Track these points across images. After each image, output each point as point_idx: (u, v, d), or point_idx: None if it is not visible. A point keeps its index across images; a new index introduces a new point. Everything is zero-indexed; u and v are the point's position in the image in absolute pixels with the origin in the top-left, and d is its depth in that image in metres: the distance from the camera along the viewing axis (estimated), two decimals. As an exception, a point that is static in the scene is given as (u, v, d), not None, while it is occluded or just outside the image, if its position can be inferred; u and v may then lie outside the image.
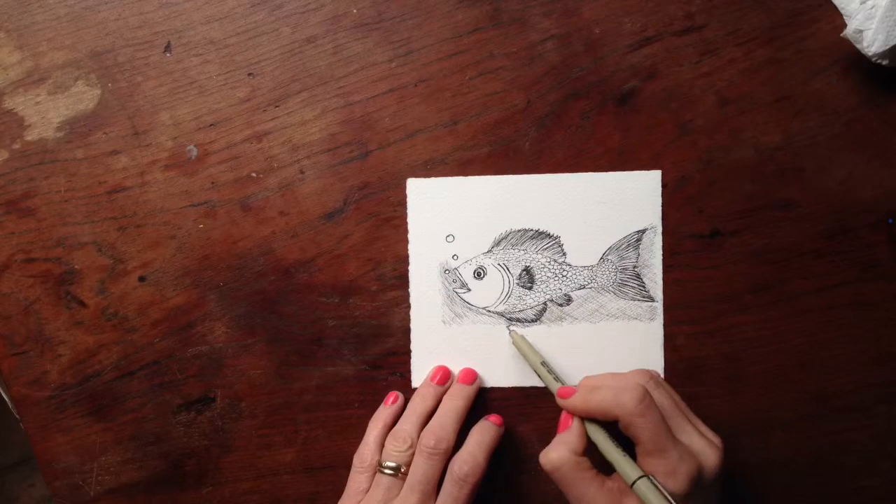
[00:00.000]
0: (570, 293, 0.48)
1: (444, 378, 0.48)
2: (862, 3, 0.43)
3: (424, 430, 0.45)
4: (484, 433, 0.45)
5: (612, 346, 0.48)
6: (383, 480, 0.44)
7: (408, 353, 0.49)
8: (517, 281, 0.48)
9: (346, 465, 0.50)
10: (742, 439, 0.48)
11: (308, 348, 0.49)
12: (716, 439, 0.40)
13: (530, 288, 0.48)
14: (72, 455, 0.50)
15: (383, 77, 0.48)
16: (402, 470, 0.44)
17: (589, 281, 0.48)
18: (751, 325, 0.48)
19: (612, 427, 0.40)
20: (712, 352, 0.48)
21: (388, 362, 0.49)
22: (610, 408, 0.39)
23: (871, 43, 0.43)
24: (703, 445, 0.39)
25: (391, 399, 0.48)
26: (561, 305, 0.48)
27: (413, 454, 0.44)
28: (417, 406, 0.47)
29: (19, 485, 1.15)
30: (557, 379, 0.45)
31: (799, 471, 0.49)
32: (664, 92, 0.47)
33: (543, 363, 0.46)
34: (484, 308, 0.49)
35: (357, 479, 0.45)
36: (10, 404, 0.53)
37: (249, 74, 0.48)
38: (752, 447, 0.48)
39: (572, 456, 0.40)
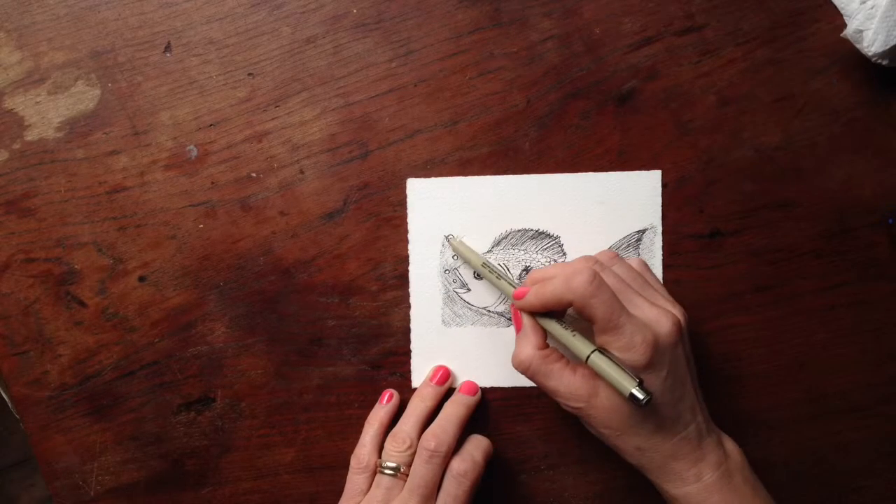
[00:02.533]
0: (570, 293, 0.48)
1: (443, 378, 0.48)
2: (862, 3, 0.43)
3: (425, 432, 0.45)
4: (482, 439, 0.46)
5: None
6: (383, 481, 0.44)
7: (408, 353, 0.49)
8: (518, 281, 0.48)
9: (346, 465, 0.50)
10: (742, 439, 0.48)
11: (308, 348, 0.49)
12: (672, 307, 0.41)
13: (530, 288, 0.48)
14: (72, 455, 0.50)
15: (383, 77, 0.48)
16: (402, 470, 0.44)
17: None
18: (751, 325, 0.48)
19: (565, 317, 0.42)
20: (712, 352, 0.48)
21: (388, 362, 0.49)
22: (562, 294, 0.40)
23: (871, 43, 0.43)
24: (656, 314, 0.39)
25: (386, 398, 0.48)
26: (561, 305, 0.48)
27: (413, 455, 0.45)
28: (417, 406, 0.47)
29: (19, 485, 1.15)
30: (501, 277, 0.45)
31: (799, 471, 0.49)
32: (664, 92, 0.47)
33: (484, 265, 0.46)
34: (484, 308, 0.49)
35: (355, 479, 0.45)
36: (10, 404, 0.53)
37: (249, 74, 0.48)
38: (753, 447, 0.48)
39: (536, 351, 0.41)
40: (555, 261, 0.48)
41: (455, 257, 0.48)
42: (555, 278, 0.40)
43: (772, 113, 0.47)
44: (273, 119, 0.48)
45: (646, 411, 0.39)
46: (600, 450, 0.49)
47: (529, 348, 0.42)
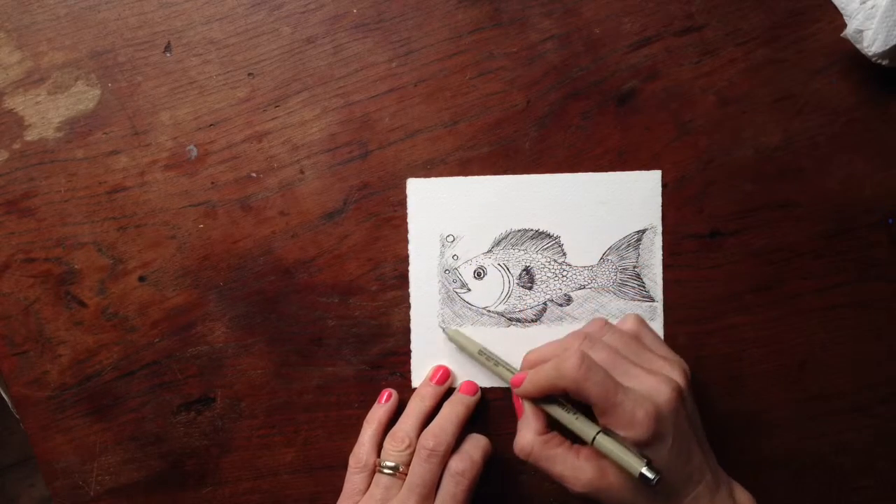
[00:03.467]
0: (570, 293, 0.48)
1: (443, 378, 0.48)
2: (862, 3, 0.43)
3: (424, 431, 0.45)
4: (480, 438, 0.46)
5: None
6: (382, 480, 0.44)
7: (408, 353, 0.49)
8: (517, 281, 0.48)
9: (346, 465, 0.50)
10: (742, 439, 0.48)
11: (308, 348, 0.49)
12: (671, 370, 0.40)
13: (530, 288, 0.48)
14: (72, 455, 0.50)
15: (383, 77, 0.48)
16: (401, 469, 0.44)
17: (589, 281, 0.48)
18: (751, 325, 0.48)
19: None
20: (712, 352, 0.48)
21: (388, 362, 0.49)
22: (555, 382, 0.40)
23: (871, 43, 0.43)
24: (654, 383, 0.39)
25: (385, 397, 0.48)
26: (561, 305, 0.48)
27: (411, 454, 0.44)
28: (416, 406, 0.47)
29: (19, 485, 1.15)
30: (498, 364, 0.46)
31: (799, 471, 0.49)
32: (664, 92, 0.47)
33: (481, 352, 0.46)
34: (484, 308, 0.49)
35: (353, 479, 0.45)
36: (10, 404, 0.53)
37: (249, 74, 0.48)
38: (752, 447, 0.48)
39: (537, 437, 0.41)
40: (555, 261, 0.48)
41: (455, 257, 0.48)
42: (546, 365, 0.40)
43: (772, 113, 0.47)
44: (273, 119, 0.48)
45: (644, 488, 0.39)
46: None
47: (530, 434, 0.41)
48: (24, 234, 0.49)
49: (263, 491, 0.51)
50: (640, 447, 0.38)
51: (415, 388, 0.49)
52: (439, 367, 0.48)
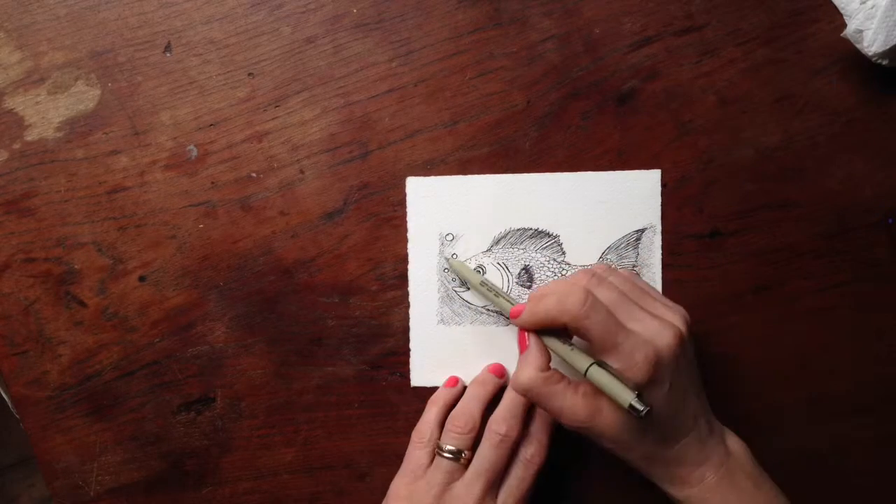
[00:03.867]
0: (570, 293, 0.48)
1: (501, 370, 0.48)
2: (862, 3, 0.43)
3: (493, 416, 0.45)
4: (545, 415, 0.46)
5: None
6: (443, 464, 0.44)
7: (407, 352, 0.49)
8: (516, 280, 0.48)
9: (346, 465, 0.50)
10: (742, 439, 0.48)
11: (308, 348, 0.49)
12: (673, 315, 0.40)
13: (529, 287, 0.48)
14: (72, 455, 0.50)
15: (383, 77, 0.48)
16: (465, 455, 0.44)
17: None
18: (751, 325, 0.48)
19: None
20: (712, 352, 0.48)
21: (388, 362, 0.49)
22: (556, 315, 0.40)
23: (871, 43, 0.43)
24: (656, 328, 0.39)
25: (453, 382, 0.48)
26: (561, 305, 0.48)
27: (473, 438, 0.45)
28: (478, 391, 0.47)
29: (19, 485, 1.15)
30: (499, 295, 0.45)
31: (799, 471, 0.49)
32: (664, 92, 0.47)
33: (482, 283, 0.46)
34: (483, 307, 0.49)
35: (416, 454, 0.45)
36: (10, 404, 0.53)
37: (249, 74, 0.48)
38: (752, 447, 0.48)
39: (539, 373, 0.41)
40: (554, 260, 0.48)
41: (454, 256, 0.48)
42: (549, 297, 0.40)
43: (772, 113, 0.47)
44: (273, 119, 0.48)
45: (649, 423, 0.39)
46: (600, 450, 0.49)
47: (531, 370, 0.41)
48: (24, 234, 0.49)
49: (263, 491, 0.51)
50: (637, 389, 0.38)
51: (415, 388, 0.49)
52: (496, 364, 0.48)
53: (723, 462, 0.41)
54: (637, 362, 0.37)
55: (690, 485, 0.40)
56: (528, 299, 0.43)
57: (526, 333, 0.43)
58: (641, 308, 0.40)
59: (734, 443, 0.42)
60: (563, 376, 0.41)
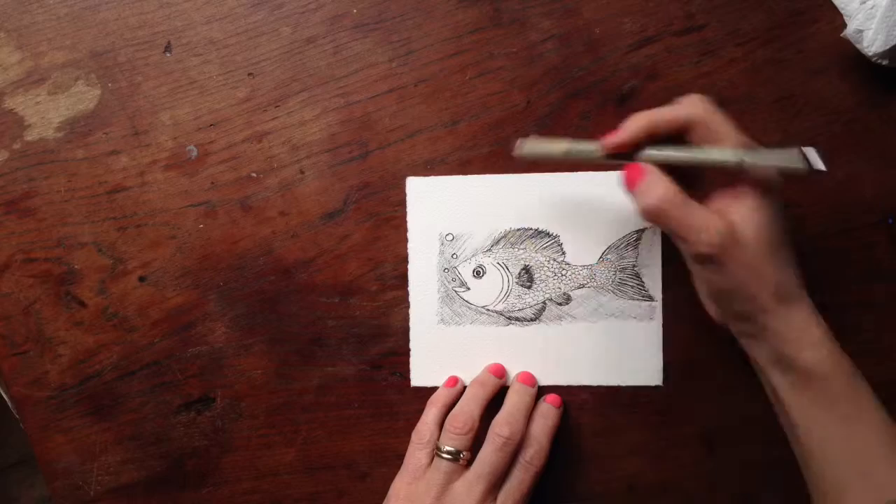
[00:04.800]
0: (570, 292, 0.48)
1: (501, 371, 0.48)
2: (862, 3, 0.43)
3: (496, 419, 0.45)
4: (546, 418, 0.46)
5: (611, 346, 0.48)
6: (442, 464, 0.44)
7: (407, 352, 0.49)
8: (516, 280, 0.48)
9: (346, 465, 0.50)
10: (742, 439, 0.48)
11: (308, 348, 0.49)
12: None
13: (529, 287, 0.48)
14: (72, 455, 0.50)
15: (383, 77, 0.48)
16: (463, 455, 0.44)
17: (588, 280, 0.48)
18: (751, 325, 0.48)
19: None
20: (712, 352, 0.48)
21: (388, 362, 0.49)
22: (673, 114, 0.37)
23: (871, 43, 0.43)
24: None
25: (452, 382, 0.48)
26: (560, 304, 0.48)
27: (471, 439, 0.45)
28: (477, 392, 0.47)
29: (19, 485, 1.15)
30: (584, 148, 0.40)
31: (799, 471, 0.49)
32: (664, 92, 0.47)
33: (567, 151, 0.41)
34: (483, 307, 0.49)
35: (417, 455, 0.45)
36: (10, 404, 0.53)
37: (249, 74, 0.48)
38: (753, 447, 0.48)
39: (672, 187, 0.37)
40: (554, 260, 0.48)
41: (455, 256, 0.48)
42: (656, 109, 0.38)
43: (772, 113, 0.47)
44: (273, 119, 0.48)
45: (779, 242, 0.37)
46: (600, 450, 0.49)
47: (662, 185, 0.37)
48: (24, 234, 0.49)
49: (263, 491, 0.51)
50: (769, 195, 0.37)
51: (415, 388, 0.49)
52: (496, 364, 0.48)
53: (833, 340, 0.38)
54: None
55: (813, 327, 0.38)
56: (629, 121, 0.39)
57: (637, 166, 0.38)
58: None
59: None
60: (689, 197, 0.37)
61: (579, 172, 0.48)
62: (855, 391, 0.38)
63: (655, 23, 0.47)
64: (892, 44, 0.43)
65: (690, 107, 0.37)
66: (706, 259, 0.37)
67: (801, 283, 0.38)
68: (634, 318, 0.48)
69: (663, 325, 0.48)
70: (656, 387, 0.49)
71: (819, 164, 0.33)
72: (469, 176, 0.48)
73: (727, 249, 0.36)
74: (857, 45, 0.44)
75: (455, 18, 0.47)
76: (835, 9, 0.46)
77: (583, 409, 0.49)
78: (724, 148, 0.37)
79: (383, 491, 0.46)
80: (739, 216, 0.37)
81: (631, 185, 0.39)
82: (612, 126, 0.47)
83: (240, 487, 0.51)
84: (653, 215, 0.37)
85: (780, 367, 0.39)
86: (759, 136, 0.47)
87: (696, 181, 0.39)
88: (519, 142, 0.42)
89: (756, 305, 0.37)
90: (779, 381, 0.39)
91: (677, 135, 0.38)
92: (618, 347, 0.48)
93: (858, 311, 0.48)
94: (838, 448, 0.38)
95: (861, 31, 0.43)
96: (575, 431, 0.49)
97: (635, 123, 0.38)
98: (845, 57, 0.46)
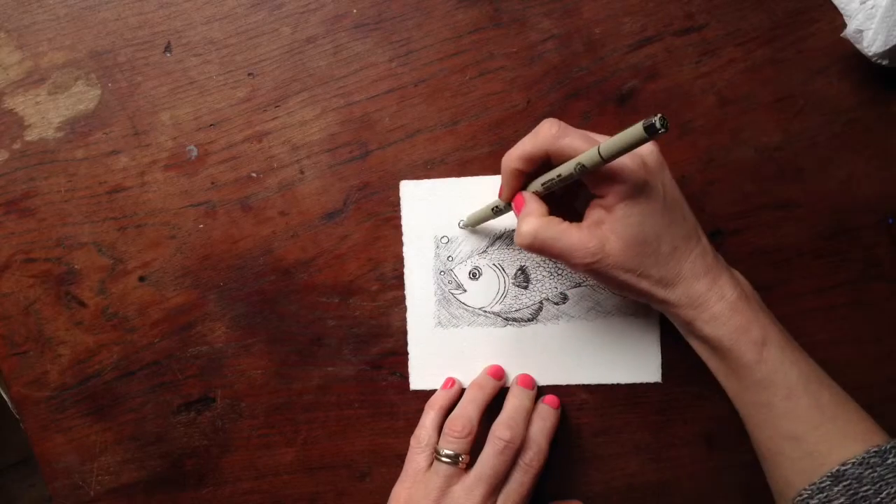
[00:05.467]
0: (566, 291, 0.48)
1: (500, 373, 0.48)
2: (862, 3, 0.43)
3: (497, 423, 0.45)
4: (545, 420, 0.46)
5: (609, 344, 0.48)
6: (441, 468, 0.44)
7: (407, 353, 0.49)
8: (513, 281, 0.48)
9: (346, 465, 0.50)
10: (742, 439, 0.48)
11: (308, 348, 0.49)
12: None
13: (526, 287, 0.48)
14: (72, 455, 0.50)
15: (383, 77, 0.48)
16: (462, 459, 0.44)
17: (584, 279, 0.48)
18: (751, 325, 0.48)
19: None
20: (712, 352, 0.48)
21: (388, 362, 0.49)
22: (531, 149, 0.39)
23: (871, 43, 0.43)
24: None
25: (449, 383, 0.48)
26: (557, 304, 0.48)
27: (471, 442, 0.45)
28: (476, 395, 0.47)
29: (19, 485, 1.15)
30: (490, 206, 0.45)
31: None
32: (664, 92, 0.47)
33: (494, 208, 0.45)
34: (480, 308, 0.49)
35: (416, 458, 0.45)
36: (10, 404, 0.53)
37: (249, 74, 0.48)
38: (753, 447, 0.48)
39: (541, 218, 0.40)
40: (550, 259, 0.48)
41: (450, 258, 0.48)
42: (517, 145, 0.41)
43: (772, 113, 0.47)
44: (273, 119, 0.48)
45: (654, 237, 0.39)
46: (600, 450, 0.49)
47: (532, 218, 0.40)
48: (24, 234, 0.49)
49: (263, 491, 0.51)
50: (634, 196, 0.38)
51: (413, 391, 0.49)
52: (494, 366, 0.49)
53: (736, 283, 0.41)
54: (627, 166, 0.38)
55: (713, 304, 0.40)
56: (502, 163, 0.42)
57: (520, 196, 0.42)
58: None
59: (738, 273, 0.43)
60: (562, 220, 0.40)
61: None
62: (774, 361, 0.40)
63: (655, 23, 0.47)
64: (892, 44, 0.43)
65: (540, 138, 0.39)
66: (587, 272, 0.40)
67: (705, 261, 0.40)
68: (632, 314, 0.48)
69: (661, 321, 0.48)
70: (655, 384, 0.49)
71: (657, 126, 0.33)
72: (462, 178, 0.48)
73: (602, 261, 0.39)
74: (857, 45, 0.44)
75: (455, 18, 0.47)
76: (835, 9, 0.46)
77: (583, 409, 0.49)
78: (580, 155, 0.38)
79: (383, 491, 0.46)
80: (610, 227, 0.39)
81: (517, 214, 0.42)
82: (613, 126, 0.47)
83: (240, 487, 0.51)
84: (526, 244, 0.40)
85: (692, 336, 0.43)
86: (759, 135, 0.47)
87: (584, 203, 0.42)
88: (459, 221, 0.48)
89: (647, 296, 0.41)
90: (696, 347, 0.43)
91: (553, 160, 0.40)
92: (616, 345, 0.48)
93: (859, 311, 0.48)
94: (761, 415, 0.41)
95: (861, 31, 0.43)
96: (575, 431, 0.49)
97: (506, 169, 0.41)
98: (845, 57, 0.46)
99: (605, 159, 0.36)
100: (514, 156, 0.41)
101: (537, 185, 0.41)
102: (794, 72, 0.47)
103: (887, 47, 0.43)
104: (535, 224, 0.40)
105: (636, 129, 0.33)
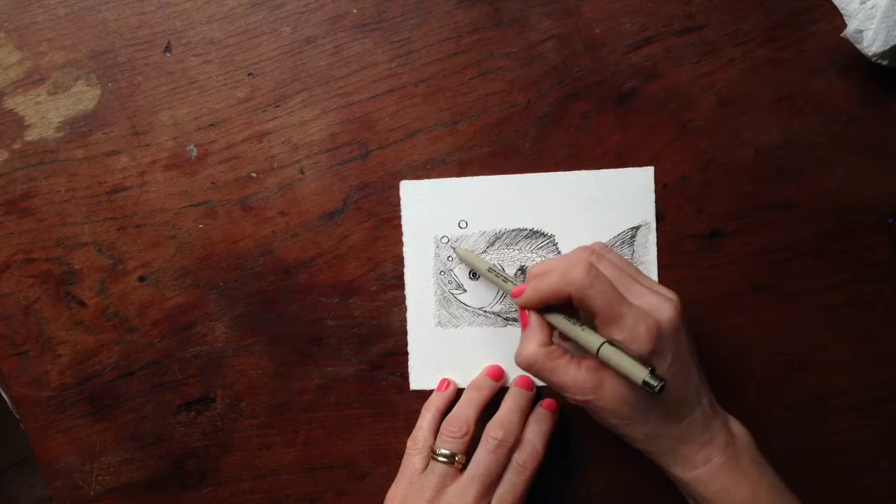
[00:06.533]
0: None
1: (499, 374, 0.48)
2: (862, 3, 0.43)
3: (491, 422, 0.45)
4: (541, 422, 0.46)
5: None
6: (437, 468, 0.44)
7: (407, 352, 0.49)
8: (517, 280, 0.48)
9: (346, 465, 0.50)
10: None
11: (308, 348, 0.49)
12: (670, 294, 0.41)
13: (528, 287, 0.48)
14: (72, 455, 0.50)
15: (383, 77, 0.48)
16: (458, 458, 0.44)
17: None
18: (751, 325, 0.48)
19: (573, 312, 0.42)
20: (712, 352, 0.48)
21: (388, 362, 0.49)
22: (560, 287, 0.40)
23: (871, 43, 0.43)
24: (657, 301, 0.39)
25: (444, 385, 0.48)
26: (560, 305, 0.48)
27: (467, 442, 0.45)
28: (474, 395, 0.47)
29: (19, 485, 1.15)
30: (507, 280, 0.45)
31: (799, 471, 0.49)
32: (664, 92, 0.47)
33: (491, 269, 0.46)
34: (480, 308, 0.49)
35: (412, 461, 0.45)
36: (10, 404, 0.53)
37: (249, 74, 0.48)
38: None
39: (541, 348, 0.41)
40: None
41: (450, 258, 0.48)
42: (552, 272, 0.41)
43: (772, 113, 0.47)
44: (273, 119, 0.48)
45: (652, 398, 0.39)
46: (600, 449, 0.49)
47: (533, 345, 0.41)
48: (24, 234, 0.49)
49: (263, 491, 0.51)
50: (641, 362, 0.38)
51: (414, 391, 0.49)
52: (494, 366, 0.49)
53: (728, 444, 0.41)
54: (640, 333, 0.38)
55: (696, 465, 0.40)
56: (528, 276, 0.43)
57: (527, 311, 0.43)
58: (640, 283, 0.41)
59: (737, 427, 0.42)
60: (565, 351, 0.42)
61: (571, 172, 0.48)
62: None
63: (655, 23, 0.47)
64: (892, 44, 0.43)
65: (573, 282, 0.39)
66: (581, 406, 0.41)
67: (698, 426, 0.41)
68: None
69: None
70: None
71: (655, 388, 0.37)
72: (463, 178, 0.48)
73: (593, 402, 0.40)
74: (857, 45, 0.44)
75: (455, 18, 0.47)
76: (835, 9, 0.46)
77: (582, 409, 0.49)
78: (591, 332, 0.40)
79: (383, 491, 0.46)
80: (610, 375, 0.40)
81: (522, 328, 0.43)
82: (612, 126, 0.47)
83: (240, 487, 0.51)
84: (524, 367, 0.42)
85: (672, 479, 0.43)
86: (759, 135, 0.47)
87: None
88: (459, 236, 0.48)
89: (630, 441, 0.42)
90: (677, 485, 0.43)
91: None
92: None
93: (858, 311, 0.48)
94: None
95: (861, 31, 0.43)
96: (574, 432, 0.49)
97: (535, 294, 0.42)
98: (845, 57, 0.46)
99: (601, 361, 0.39)
100: (541, 292, 0.41)
101: (547, 316, 0.42)
102: (794, 72, 0.47)
103: (887, 47, 0.43)
104: (535, 353, 0.41)
105: (637, 374, 0.37)
